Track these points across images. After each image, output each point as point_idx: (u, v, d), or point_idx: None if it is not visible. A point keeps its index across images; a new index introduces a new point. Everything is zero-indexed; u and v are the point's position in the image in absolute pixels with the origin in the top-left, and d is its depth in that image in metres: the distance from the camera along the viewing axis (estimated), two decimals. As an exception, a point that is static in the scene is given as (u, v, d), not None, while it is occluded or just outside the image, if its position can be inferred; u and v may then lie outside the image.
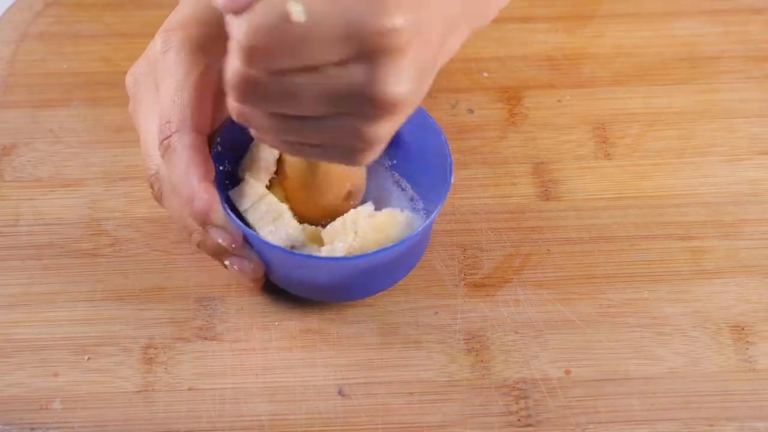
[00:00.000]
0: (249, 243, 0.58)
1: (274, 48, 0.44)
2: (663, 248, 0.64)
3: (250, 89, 0.47)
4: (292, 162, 0.59)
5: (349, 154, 0.50)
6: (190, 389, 0.58)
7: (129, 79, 0.62)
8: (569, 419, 0.57)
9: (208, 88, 0.59)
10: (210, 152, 0.57)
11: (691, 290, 0.62)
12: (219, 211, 0.56)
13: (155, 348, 0.60)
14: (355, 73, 0.45)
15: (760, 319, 0.61)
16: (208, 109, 0.59)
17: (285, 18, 0.43)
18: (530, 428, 0.56)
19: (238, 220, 0.57)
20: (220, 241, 0.57)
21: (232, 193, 0.60)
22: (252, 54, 0.45)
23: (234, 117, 0.50)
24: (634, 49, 0.75)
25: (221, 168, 0.59)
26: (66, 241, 0.64)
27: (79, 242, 0.64)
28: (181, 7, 0.62)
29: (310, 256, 0.57)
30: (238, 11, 0.44)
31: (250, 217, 0.59)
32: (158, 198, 0.59)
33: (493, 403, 0.57)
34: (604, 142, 0.69)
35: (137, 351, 0.60)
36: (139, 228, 0.65)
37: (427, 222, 0.57)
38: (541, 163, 0.68)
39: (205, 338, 0.60)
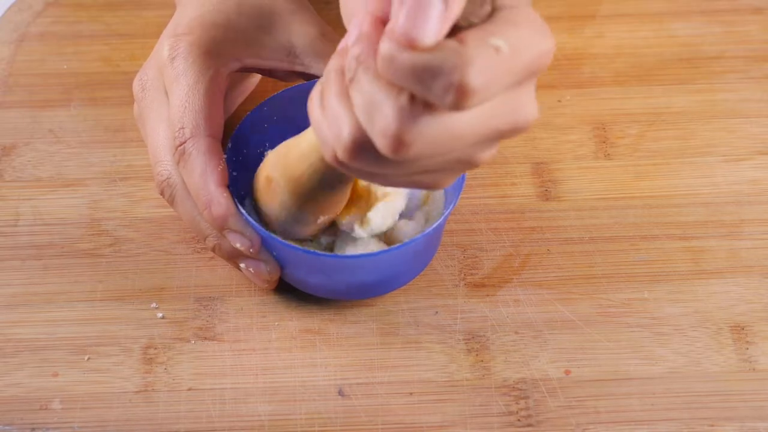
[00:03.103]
0: (266, 245, 0.58)
1: (483, 86, 0.40)
2: (663, 248, 0.64)
3: (415, 139, 0.41)
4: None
5: (447, 179, 0.47)
6: (190, 389, 0.58)
7: (136, 85, 0.62)
8: (569, 419, 0.57)
9: (219, 92, 0.60)
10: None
11: (691, 290, 0.62)
12: (237, 216, 0.57)
13: (155, 348, 0.60)
14: (509, 100, 0.42)
15: (760, 319, 0.61)
16: (220, 114, 0.59)
17: (497, 50, 0.40)
18: (530, 428, 0.56)
19: (256, 224, 0.57)
20: (238, 245, 0.58)
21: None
22: (460, 95, 0.39)
23: (344, 167, 0.45)
24: (634, 49, 0.75)
25: (234, 173, 0.59)
26: (66, 241, 0.65)
27: (79, 242, 0.64)
28: (185, 10, 0.62)
29: (331, 256, 0.57)
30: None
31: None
32: (170, 203, 0.60)
33: (493, 403, 0.57)
34: (604, 142, 0.69)
35: (137, 351, 0.60)
36: (139, 228, 0.65)
37: (446, 212, 0.57)
38: (541, 163, 0.68)
39: (205, 338, 0.60)
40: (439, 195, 0.61)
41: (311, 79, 0.63)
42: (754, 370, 0.59)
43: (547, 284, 0.62)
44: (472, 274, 0.63)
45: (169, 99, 0.59)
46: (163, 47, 0.60)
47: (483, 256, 0.64)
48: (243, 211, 0.57)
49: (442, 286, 0.62)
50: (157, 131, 0.60)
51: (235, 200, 0.57)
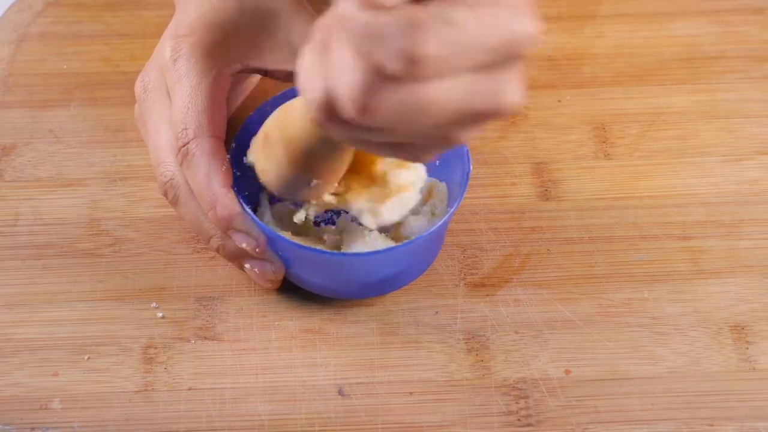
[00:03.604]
0: (271, 245, 0.58)
1: (434, 54, 0.39)
2: (663, 248, 0.64)
3: (379, 105, 0.41)
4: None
5: (425, 154, 0.46)
6: (189, 389, 0.58)
7: (138, 86, 0.62)
8: (569, 419, 0.57)
9: (221, 93, 0.60)
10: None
11: (690, 290, 0.62)
12: (242, 216, 0.57)
13: (155, 348, 0.60)
14: (486, 81, 0.42)
15: (760, 319, 0.61)
16: (222, 115, 0.59)
17: (451, 23, 0.39)
18: (530, 428, 0.56)
19: (261, 224, 0.57)
20: (243, 245, 0.58)
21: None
22: (408, 62, 0.39)
23: (323, 123, 0.45)
24: (634, 49, 0.75)
25: (238, 173, 0.59)
26: (66, 241, 0.64)
27: (79, 242, 0.64)
28: (185, 11, 0.62)
29: (339, 254, 0.57)
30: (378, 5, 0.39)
31: None
32: (173, 204, 0.60)
33: (493, 403, 0.57)
34: (604, 142, 0.69)
35: (137, 351, 0.60)
36: (139, 228, 0.65)
37: (452, 209, 0.57)
38: (541, 163, 0.68)
39: (205, 338, 0.60)
40: (442, 189, 0.61)
41: None
42: (754, 369, 0.59)
43: (547, 284, 0.62)
44: (472, 274, 0.63)
45: (172, 100, 0.59)
46: (165, 48, 0.60)
47: (483, 256, 0.64)
48: (248, 211, 0.57)
49: (442, 286, 0.62)
50: (160, 132, 0.60)
51: (240, 200, 0.57)
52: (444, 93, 0.41)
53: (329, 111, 0.43)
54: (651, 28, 0.76)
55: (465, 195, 0.58)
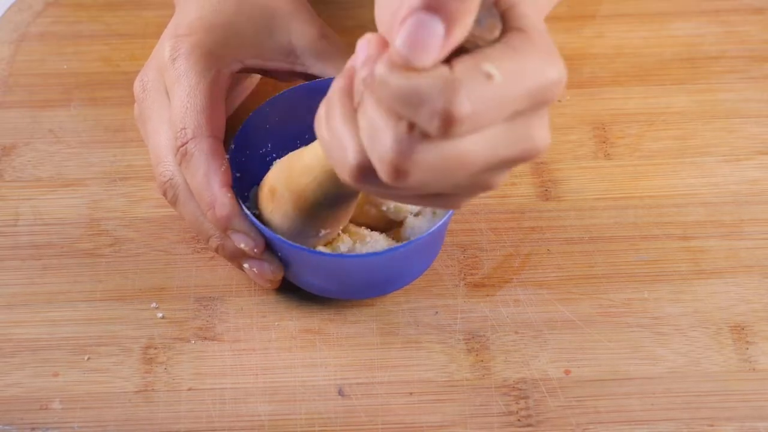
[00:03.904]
0: (270, 245, 0.58)
1: (471, 113, 0.39)
2: (663, 248, 0.64)
3: (414, 167, 0.41)
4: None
5: (462, 201, 0.46)
6: (189, 389, 0.58)
7: (137, 86, 0.62)
8: (569, 419, 0.57)
9: (220, 92, 0.60)
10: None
11: (691, 290, 0.62)
12: (241, 216, 0.57)
13: (155, 348, 0.60)
14: (519, 129, 0.42)
15: (760, 319, 0.61)
16: (221, 115, 0.59)
17: (487, 77, 0.39)
18: (530, 428, 0.56)
19: (260, 224, 0.57)
20: (242, 245, 0.57)
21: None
22: (447, 122, 0.39)
23: (358, 186, 0.44)
24: (634, 49, 0.75)
25: (237, 174, 0.59)
26: (66, 241, 0.64)
27: (79, 242, 0.64)
28: (185, 11, 0.62)
29: (336, 255, 0.57)
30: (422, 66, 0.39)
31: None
32: (173, 204, 0.60)
33: (493, 403, 0.57)
34: (604, 142, 0.69)
35: (137, 351, 0.60)
36: (139, 228, 0.65)
37: (451, 212, 0.57)
38: (541, 163, 0.68)
39: (205, 338, 0.60)
40: None
41: (312, 79, 0.63)
42: (754, 370, 0.59)
43: (547, 284, 0.62)
44: (472, 274, 0.63)
45: (171, 100, 0.59)
46: (164, 48, 0.60)
47: (483, 256, 0.64)
48: (247, 212, 0.57)
49: (442, 286, 0.62)
50: (159, 132, 0.60)
51: (239, 200, 0.57)
52: (479, 146, 0.41)
53: (364, 175, 0.43)
54: (651, 28, 0.76)
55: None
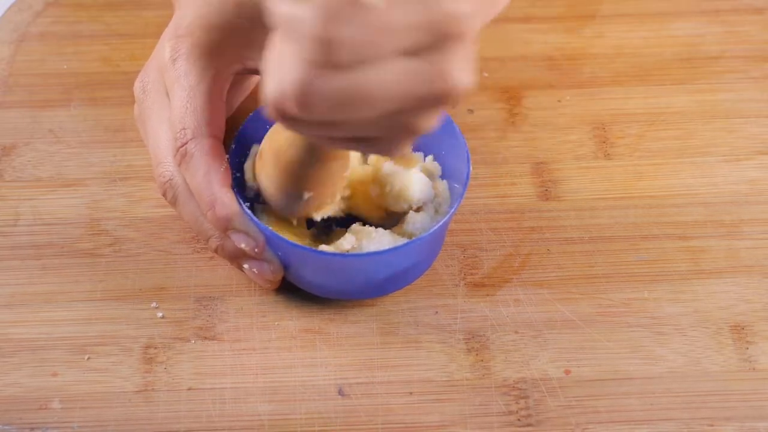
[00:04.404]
0: (270, 245, 0.58)
1: (350, 38, 0.40)
2: (663, 248, 0.64)
3: (314, 97, 0.41)
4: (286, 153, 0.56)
5: (392, 146, 0.47)
6: (189, 389, 0.58)
7: (137, 87, 0.62)
8: (569, 419, 0.57)
9: (220, 93, 0.60)
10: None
11: (690, 290, 0.62)
12: (241, 216, 0.57)
13: (155, 348, 0.60)
14: (424, 64, 0.41)
15: (760, 319, 0.61)
16: (221, 115, 0.59)
17: (360, 3, 0.39)
18: (530, 428, 0.56)
19: (260, 224, 0.57)
20: (242, 245, 0.57)
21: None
22: (325, 48, 0.40)
23: (279, 122, 0.46)
24: (634, 49, 0.75)
25: (237, 174, 0.59)
26: (66, 241, 0.64)
27: (79, 242, 0.64)
28: (185, 11, 0.62)
29: (337, 254, 0.57)
30: None
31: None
32: (173, 204, 0.60)
33: (493, 403, 0.57)
34: (604, 142, 0.69)
35: (137, 351, 0.60)
36: (139, 228, 0.65)
37: (452, 210, 0.57)
38: (541, 163, 0.68)
39: (205, 338, 0.60)
40: (446, 188, 0.61)
41: None
42: (754, 369, 0.59)
43: (547, 284, 0.62)
44: (472, 274, 0.63)
45: (171, 100, 0.59)
46: (164, 49, 0.60)
47: (483, 256, 0.64)
48: (248, 211, 0.57)
49: (442, 286, 0.62)
50: (159, 132, 0.60)
51: (239, 200, 0.57)
52: (378, 79, 0.41)
53: (280, 110, 0.43)
54: (651, 28, 0.76)
55: (465, 195, 0.58)
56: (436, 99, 0.43)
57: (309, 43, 0.40)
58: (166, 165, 0.59)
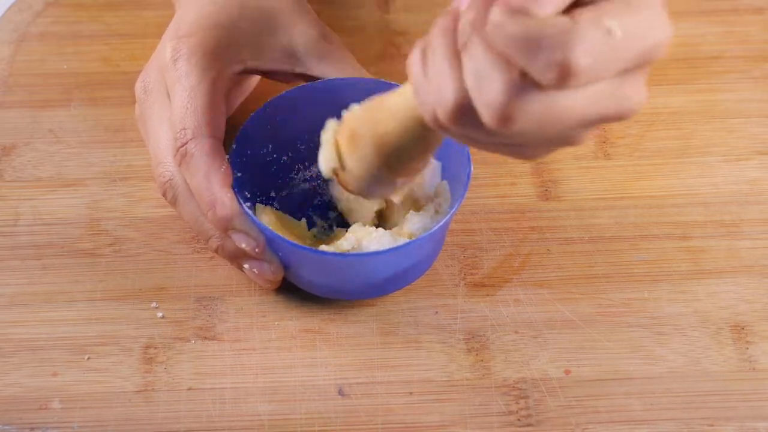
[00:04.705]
0: (270, 245, 0.58)
1: (590, 65, 0.39)
2: (663, 248, 0.64)
3: (519, 114, 0.41)
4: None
5: (541, 154, 0.46)
6: (189, 389, 0.58)
7: (138, 87, 0.62)
8: (569, 419, 0.57)
9: (221, 93, 0.60)
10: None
11: (690, 290, 0.62)
12: (242, 216, 0.57)
13: (155, 348, 0.60)
14: (618, 87, 0.41)
15: (760, 319, 0.61)
16: (221, 115, 0.59)
17: (608, 33, 0.39)
18: (530, 428, 0.56)
19: (261, 224, 0.57)
20: (243, 245, 0.57)
21: None
22: (564, 72, 0.39)
23: (441, 128, 0.45)
24: (634, 49, 0.75)
25: (238, 174, 0.59)
26: (66, 241, 0.64)
27: (79, 242, 0.64)
28: (187, 12, 0.62)
29: (337, 255, 0.57)
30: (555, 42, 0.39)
31: None
32: (173, 204, 0.60)
33: (493, 403, 0.57)
34: (604, 142, 0.69)
35: (137, 351, 0.60)
36: (139, 228, 0.65)
37: (453, 210, 0.57)
38: (541, 162, 0.68)
39: (205, 338, 0.60)
40: (447, 188, 0.61)
41: (312, 80, 0.63)
42: (754, 369, 0.59)
43: (547, 284, 0.62)
44: (472, 274, 0.63)
45: (171, 100, 0.59)
46: (166, 49, 0.60)
47: (483, 256, 0.64)
48: (248, 212, 0.57)
49: (442, 286, 0.62)
50: (159, 133, 0.60)
51: (240, 200, 0.57)
52: (583, 100, 0.41)
53: (460, 116, 0.42)
54: (651, 28, 0.76)
55: (465, 195, 0.58)
56: (618, 119, 0.42)
57: (546, 66, 0.39)
58: (167, 165, 0.59)
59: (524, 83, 0.40)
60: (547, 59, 0.39)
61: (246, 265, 0.59)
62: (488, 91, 0.41)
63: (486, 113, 0.41)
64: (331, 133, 0.55)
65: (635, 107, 0.42)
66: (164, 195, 0.60)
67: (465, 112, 0.42)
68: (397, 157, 0.52)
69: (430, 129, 0.46)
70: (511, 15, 0.39)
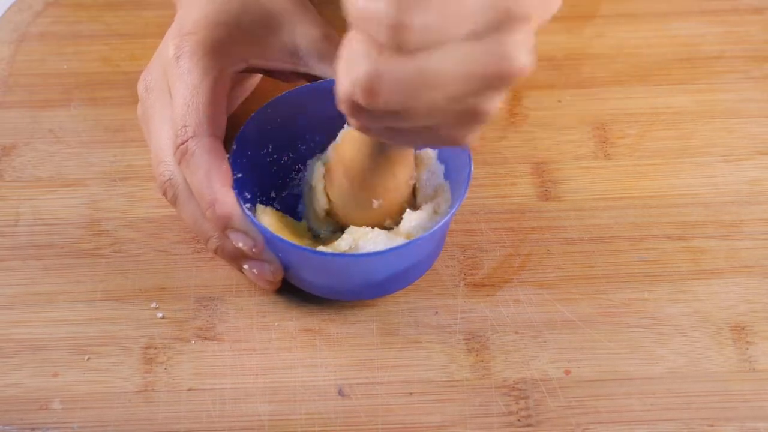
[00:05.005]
0: (269, 246, 0.58)
1: (421, 23, 0.41)
2: (663, 248, 0.64)
3: (383, 83, 0.42)
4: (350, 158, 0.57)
5: (458, 133, 0.47)
6: (190, 389, 0.58)
7: (141, 86, 0.62)
8: (569, 419, 0.57)
9: (222, 92, 0.60)
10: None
11: (690, 290, 0.62)
12: (241, 216, 0.57)
13: (155, 348, 0.60)
14: (488, 45, 0.42)
15: (760, 319, 0.61)
16: (222, 115, 0.59)
17: None
18: (530, 428, 0.56)
19: (259, 224, 0.57)
20: (241, 245, 0.57)
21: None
22: (398, 34, 0.41)
23: (350, 119, 0.47)
24: (634, 49, 0.75)
25: (239, 175, 0.59)
26: (66, 241, 0.65)
27: (79, 242, 0.64)
28: (189, 10, 0.62)
29: (336, 255, 0.57)
30: None
31: None
32: (173, 204, 0.60)
33: (493, 403, 0.57)
34: (604, 142, 0.69)
35: (137, 351, 0.60)
36: (139, 228, 0.65)
37: (453, 210, 0.57)
38: (541, 163, 0.68)
39: (205, 338, 0.60)
40: (447, 188, 0.61)
41: (314, 80, 0.63)
42: (754, 370, 0.59)
43: (547, 284, 0.62)
44: (472, 274, 0.63)
45: (173, 98, 0.59)
46: (168, 47, 0.60)
47: (483, 256, 0.64)
48: (247, 212, 0.57)
49: (442, 286, 0.62)
50: (161, 131, 0.60)
51: (239, 200, 0.57)
52: (445, 62, 0.42)
53: (351, 104, 0.44)
54: (651, 28, 0.76)
55: (465, 195, 0.58)
56: (499, 79, 0.43)
57: (382, 28, 0.41)
58: (167, 164, 0.59)
59: (381, 54, 0.42)
60: (382, 22, 0.41)
61: (245, 266, 0.59)
62: (353, 70, 0.43)
63: (355, 91, 0.43)
64: (319, 176, 0.60)
65: (516, 66, 0.43)
66: (164, 194, 0.60)
67: (353, 99, 0.44)
68: (364, 178, 0.56)
69: (383, 146, 0.49)
70: None
